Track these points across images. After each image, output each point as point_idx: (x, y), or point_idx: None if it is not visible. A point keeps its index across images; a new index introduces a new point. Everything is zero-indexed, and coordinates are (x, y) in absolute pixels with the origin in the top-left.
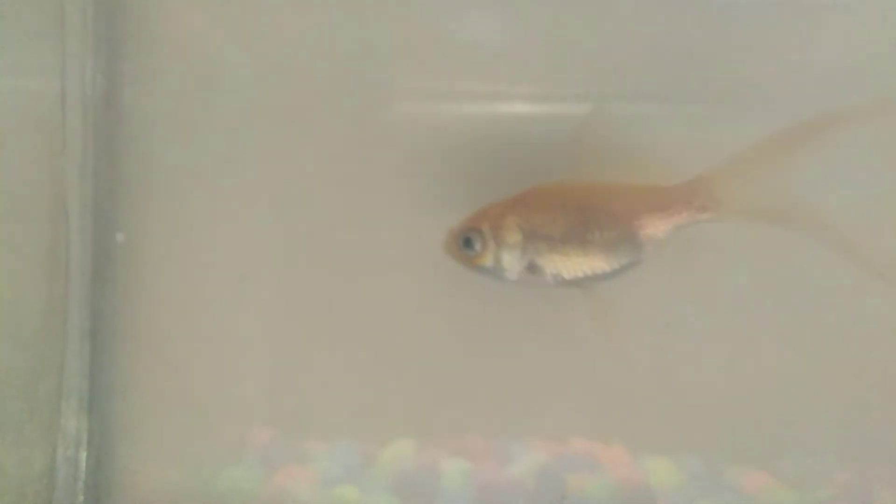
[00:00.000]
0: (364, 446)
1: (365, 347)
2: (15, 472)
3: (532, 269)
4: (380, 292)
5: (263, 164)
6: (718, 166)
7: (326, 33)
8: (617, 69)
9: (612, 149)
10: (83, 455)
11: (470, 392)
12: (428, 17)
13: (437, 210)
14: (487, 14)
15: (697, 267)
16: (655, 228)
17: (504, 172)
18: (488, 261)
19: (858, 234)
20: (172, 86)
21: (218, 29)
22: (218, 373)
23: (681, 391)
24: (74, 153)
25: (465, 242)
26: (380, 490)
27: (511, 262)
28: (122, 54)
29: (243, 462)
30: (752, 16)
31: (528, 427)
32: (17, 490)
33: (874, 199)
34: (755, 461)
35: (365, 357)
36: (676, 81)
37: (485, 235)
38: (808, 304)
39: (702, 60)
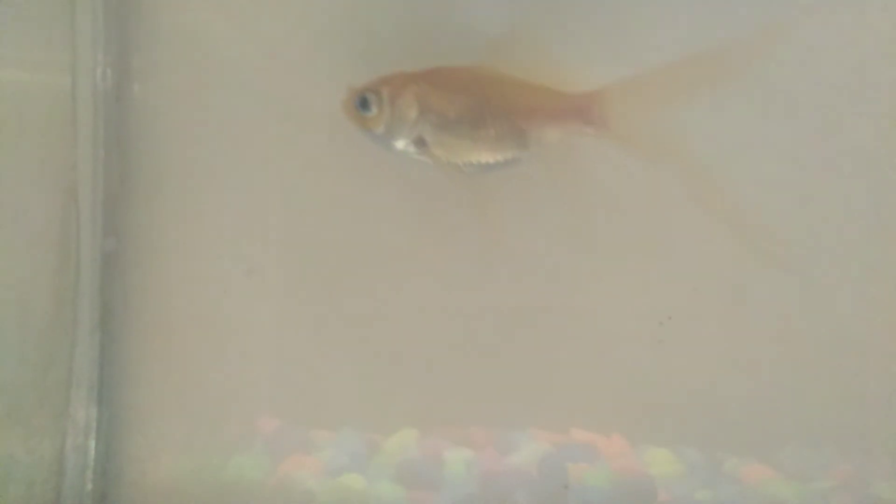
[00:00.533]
0: (368, 436)
1: (369, 338)
2: (24, 460)
3: (419, 144)
4: (384, 283)
5: (271, 157)
6: (618, 84)
7: (334, 28)
8: None
9: (533, 46)
10: (92, 444)
11: (473, 383)
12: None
13: (444, 203)
14: None
15: None
16: (543, 130)
17: None
18: (380, 126)
19: None
20: (181, 80)
21: (227, 24)
22: (225, 362)
23: (680, 382)
24: (85, 147)
25: (362, 103)
26: (384, 479)
27: (402, 131)
28: (131, 49)
29: (251, 451)
30: None
31: (529, 417)
32: (27, 479)
33: None
34: (755, 453)
35: (369, 347)
36: None
37: (382, 99)
38: (810, 296)
39: None
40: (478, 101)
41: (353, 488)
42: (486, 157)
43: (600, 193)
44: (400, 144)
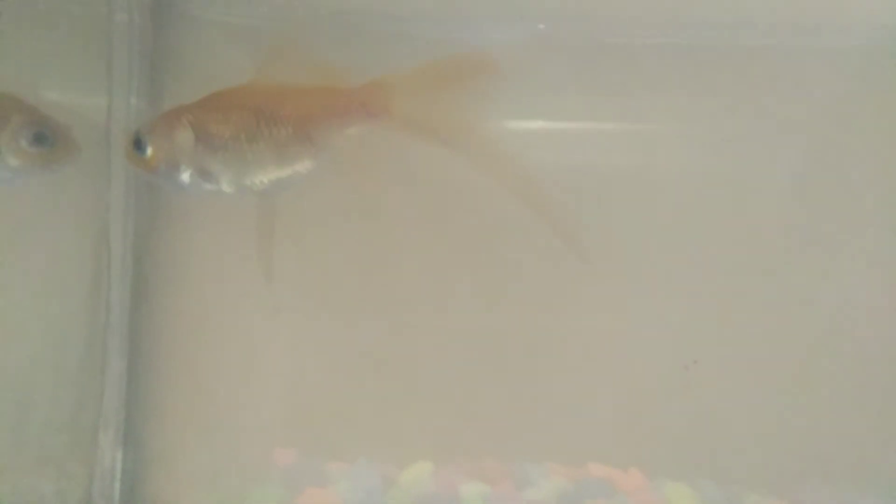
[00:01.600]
0: (384, 468)
1: (384, 370)
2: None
3: (204, 174)
4: (401, 315)
5: (299, 193)
6: (398, 73)
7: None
8: None
9: (303, 56)
10: (118, 486)
11: (488, 416)
12: None
13: (462, 232)
14: None
15: None
16: (329, 132)
17: None
18: (160, 164)
19: None
20: None
21: (249, 64)
22: (245, 398)
23: (699, 416)
24: (118, 187)
25: (137, 144)
26: None
27: (181, 163)
28: (163, 89)
29: (268, 484)
30: None
31: (545, 451)
32: None
33: None
34: (774, 488)
35: (384, 379)
36: None
37: (156, 137)
38: (836, 327)
39: None
40: (253, 115)
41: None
42: (276, 171)
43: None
44: (186, 178)
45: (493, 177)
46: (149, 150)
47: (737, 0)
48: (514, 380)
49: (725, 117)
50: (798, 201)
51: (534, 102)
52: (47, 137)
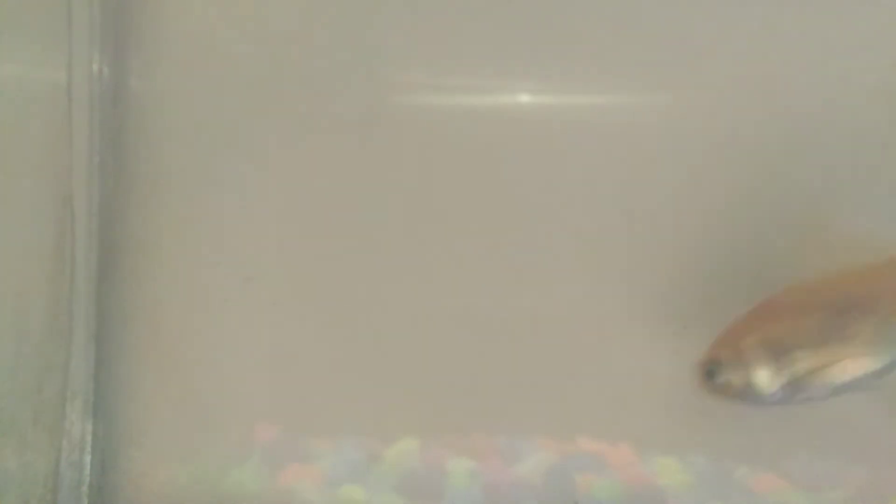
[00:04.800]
0: (369, 445)
1: (369, 345)
2: (19, 476)
3: (794, 387)
4: (385, 289)
5: (271, 160)
6: None
7: (336, 26)
8: None
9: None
10: (87, 459)
11: (475, 390)
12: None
13: (445, 208)
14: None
15: None
16: None
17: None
18: (741, 388)
19: None
20: (180, 80)
21: (226, 22)
22: (223, 371)
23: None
24: (81, 152)
25: (709, 375)
26: (385, 490)
27: (766, 383)
28: (128, 47)
29: (249, 461)
30: None
31: (534, 425)
32: (21, 495)
33: None
34: (765, 462)
35: (369, 355)
36: None
37: (724, 366)
38: None
39: None
40: (826, 313)
41: (353, 499)
42: (867, 365)
43: None
44: (771, 395)
45: None
46: (723, 378)
47: None
48: (501, 354)
49: None
50: None
51: None
52: None
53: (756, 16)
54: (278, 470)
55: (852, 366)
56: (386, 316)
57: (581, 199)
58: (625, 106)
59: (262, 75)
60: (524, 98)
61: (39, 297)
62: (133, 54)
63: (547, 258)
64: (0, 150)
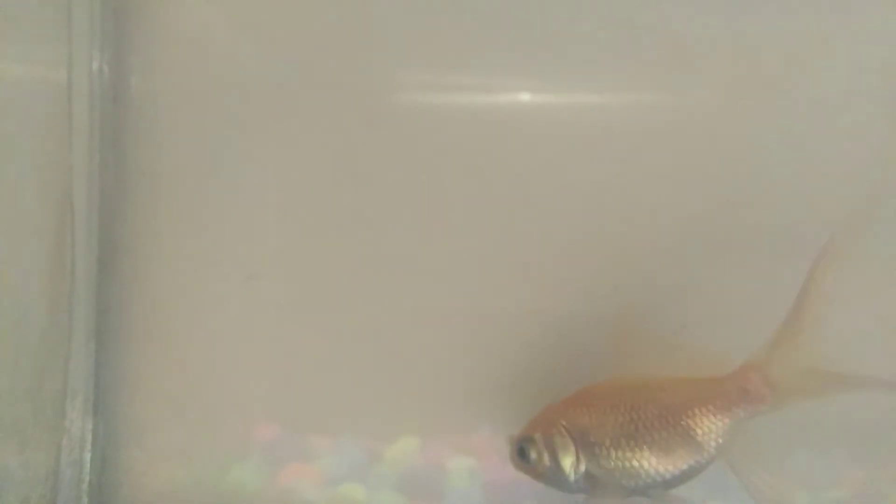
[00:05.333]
0: (369, 444)
1: (369, 344)
2: (19, 474)
3: (589, 478)
4: (385, 288)
5: (272, 159)
6: (770, 348)
7: (336, 24)
8: None
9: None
10: (88, 457)
11: (476, 389)
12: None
13: (446, 207)
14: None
15: None
16: (711, 424)
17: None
18: (544, 470)
19: None
20: (180, 79)
21: (226, 21)
22: (223, 370)
23: None
24: (81, 149)
25: (520, 453)
26: (385, 488)
27: (566, 469)
28: (128, 46)
29: (249, 460)
30: None
31: None
32: (21, 493)
33: None
34: (764, 461)
35: (369, 353)
36: None
37: (537, 444)
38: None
39: None
40: (630, 415)
41: (353, 498)
42: (659, 471)
43: None
44: (572, 481)
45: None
46: (532, 458)
47: None
48: (501, 353)
49: None
50: None
51: None
52: None
53: (757, 15)
54: (278, 468)
55: (643, 471)
56: (386, 314)
57: (581, 197)
58: (625, 105)
59: (262, 74)
60: (524, 97)
61: (40, 295)
62: (133, 53)
63: (547, 256)
64: (0, 149)
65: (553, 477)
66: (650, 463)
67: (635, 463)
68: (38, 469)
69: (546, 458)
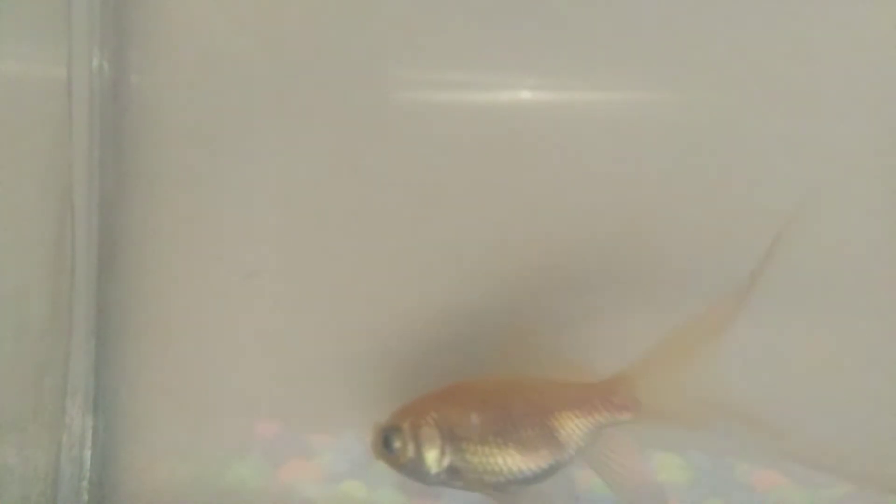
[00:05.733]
0: (369, 441)
1: (370, 341)
2: (19, 471)
3: (452, 472)
4: (386, 287)
5: (272, 156)
6: (640, 361)
7: (337, 21)
8: None
9: (539, 347)
10: (88, 454)
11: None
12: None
13: (445, 203)
14: None
15: None
16: (574, 428)
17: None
18: (407, 461)
19: None
20: (180, 76)
21: (227, 17)
22: (224, 367)
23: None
24: (81, 146)
25: (385, 442)
26: (385, 485)
27: (430, 461)
28: (128, 43)
29: (249, 457)
30: None
31: None
32: (22, 490)
33: None
34: (766, 459)
35: (370, 351)
36: None
37: (404, 434)
38: (816, 298)
39: None
40: (501, 413)
41: (353, 495)
42: (522, 469)
43: None
44: (433, 474)
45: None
46: (396, 447)
47: None
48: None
49: None
50: None
51: None
52: None
53: (757, 14)
54: (279, 465)
55: (506, 468)
56: (387, 312)
57: (581, 195)
58: (625, 103)
59: (263, 71)
60: (525, 95)
61: (40, 292)
62: (133, 50)
63: (547, 255)
64: (0, 146)
65: (413, 469)
66: (514, 460)
67: (500, 459)
68: (38, 466)
69: (410, 450)
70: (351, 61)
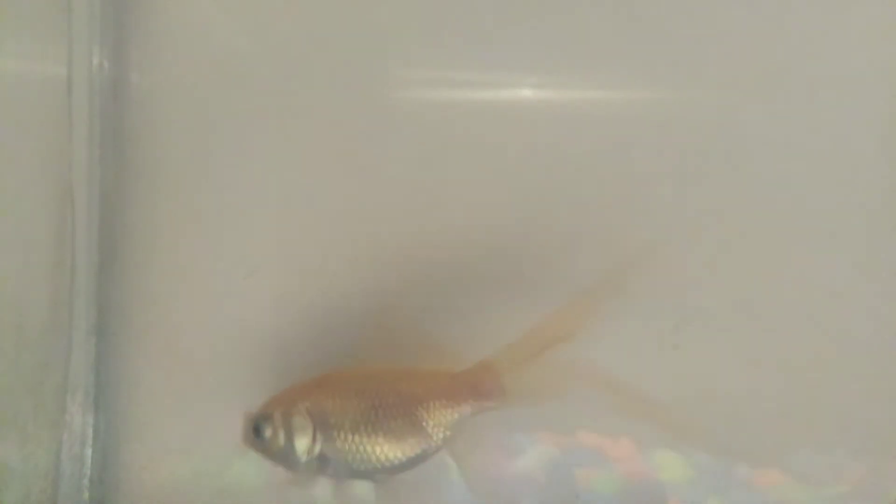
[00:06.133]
0: None
1: (370, 340)
2: (20, 469)
3: (323, 460)
4: (387, 286)
5: (273, 154)
6: (505, 349)
7: (338, 20)
8: None
9: (408, 336)
10: (88, 452)
11: None
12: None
13: (446, 203)
14: None
15: None
16: (440, 416)
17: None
18: (277, 449)
19: None
20: (180, 74)
21: (227, 16)
22: (224, 366)
23: (690, 386)
24: (81, 145)
25: (255, 430)
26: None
27: (301, 450)
28: (129, 41)
29: (250, 456)
30: None
31: (534, 420)
32: (22, 488)
33: None
34: (766, 457)
35: (370, 349)
36: None
37: (275, 422)
38: (815, 298)
39: None
40: (371, 402)
41: (353, 493)
42: (390, 457)
43: None
44: (303, 462)
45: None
46: (267, 435)
47: None
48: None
49: None
50: None
51: None
52: None
53: (757, 14)
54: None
55: (374, 457)
56: (387, 310)
57: (581, 194)
58: (626, 102)
59: (263, 69)
60: (526, 93)
61: (40, 290)
62: (134, 48)
63: (546, 254)
64: (0, 144)
65: (283, 457)
66: (383, 449)
67: (369, 448)
68: (38, 464)
69: (281, 438)
70: (351, 61)
